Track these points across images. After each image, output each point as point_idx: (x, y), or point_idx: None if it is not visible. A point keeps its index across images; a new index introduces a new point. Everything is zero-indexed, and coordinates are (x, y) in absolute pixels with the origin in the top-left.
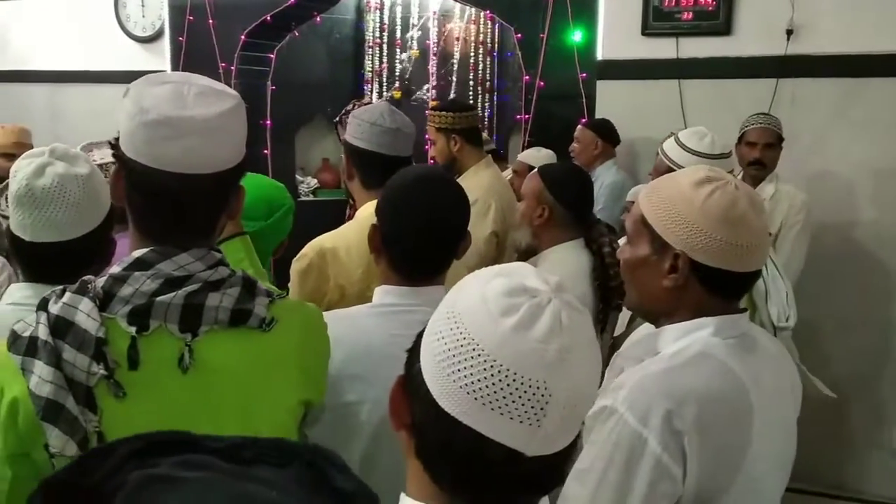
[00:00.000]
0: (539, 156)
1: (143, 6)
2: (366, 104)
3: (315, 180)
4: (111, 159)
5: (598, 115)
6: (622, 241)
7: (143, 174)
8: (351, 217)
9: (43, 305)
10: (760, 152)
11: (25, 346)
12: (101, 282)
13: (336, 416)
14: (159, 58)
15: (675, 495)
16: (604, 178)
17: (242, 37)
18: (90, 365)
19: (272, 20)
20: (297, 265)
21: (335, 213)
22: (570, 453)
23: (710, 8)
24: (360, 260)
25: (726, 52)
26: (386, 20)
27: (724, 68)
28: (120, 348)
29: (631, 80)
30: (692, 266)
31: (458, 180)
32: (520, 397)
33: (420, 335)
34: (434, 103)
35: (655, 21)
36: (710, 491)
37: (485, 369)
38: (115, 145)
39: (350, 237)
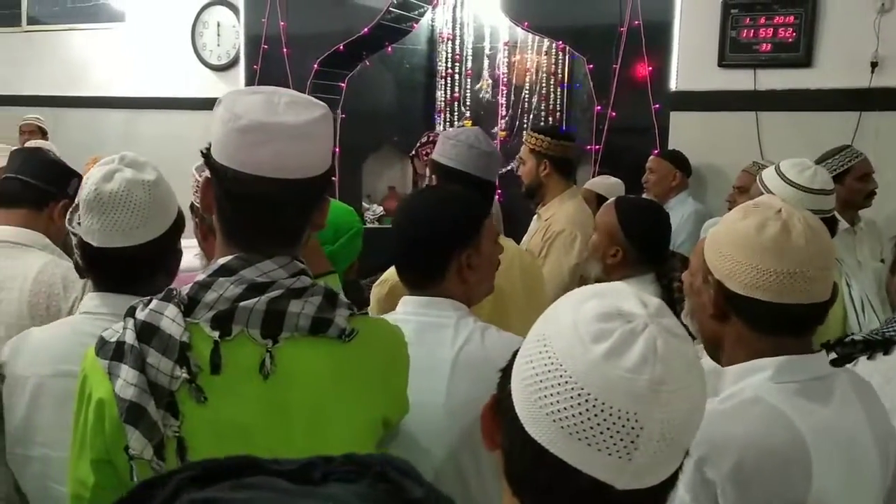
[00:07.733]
0: (607, 184)
1: (219, 35)
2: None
3: (381, 208)
4: None
5: (670, 146)
6: None
7: (233, 180)
8: None
9: (131, 312)
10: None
11: (112, 351)
12: (186, 289)
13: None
14: (233, 85)
15: None
16: (682, 209)
17: (315, 65)
18: (173, 369)
19: (345, 49)
20: (377, 289)
21: None
22: (670, 484)
23: (790, 40)
24: None
25: (806, 84)
26: (458, 51)
27: (803, 100)
28: (203, 353)
29: (706, 112)
30: (727, 296)
31: (542, 208)
32: (608, 429)
33: (515, 355)
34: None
35: (732, 52)
36: None
37: (571, 398)
38: (206, 154)
39: None
